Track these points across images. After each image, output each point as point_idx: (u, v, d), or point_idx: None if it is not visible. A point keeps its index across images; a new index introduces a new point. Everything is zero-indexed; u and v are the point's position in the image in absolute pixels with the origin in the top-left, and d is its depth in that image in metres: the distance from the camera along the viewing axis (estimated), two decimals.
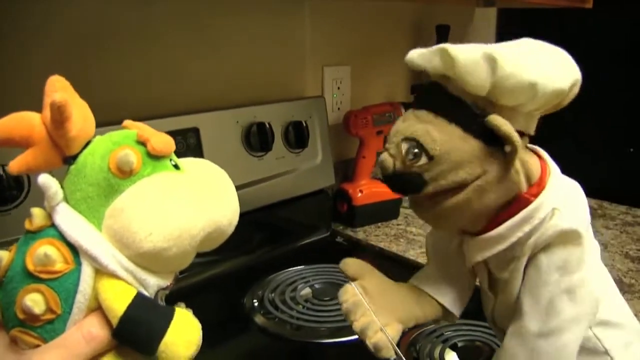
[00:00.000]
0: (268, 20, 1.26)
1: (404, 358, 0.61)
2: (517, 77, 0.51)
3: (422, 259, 1.20)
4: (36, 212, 0.44)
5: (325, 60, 1.43)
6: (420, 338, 0.89)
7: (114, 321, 0.42)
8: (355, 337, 0.88)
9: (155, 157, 0.45)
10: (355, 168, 1.41)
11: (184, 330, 0.44)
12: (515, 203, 0.56)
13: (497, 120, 0.52)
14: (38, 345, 0.42)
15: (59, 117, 0.42)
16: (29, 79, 0.93)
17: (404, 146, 0.55)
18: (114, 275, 0.43)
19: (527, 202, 0.56)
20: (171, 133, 1.01)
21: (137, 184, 0.43)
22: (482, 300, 0.68)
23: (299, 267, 1.16)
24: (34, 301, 0.41)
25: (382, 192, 1.42)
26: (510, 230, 0.56)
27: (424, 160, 0.54)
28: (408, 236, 1.34)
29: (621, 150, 1.61)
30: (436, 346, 0.87)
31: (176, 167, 0.47)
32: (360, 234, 1.37)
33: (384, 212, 1.44)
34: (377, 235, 1.35)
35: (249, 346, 0.93)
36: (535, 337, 0.56)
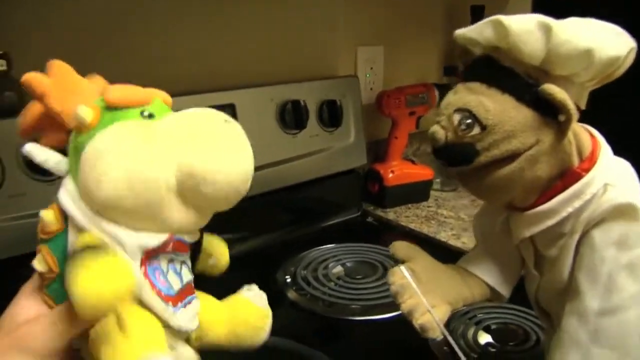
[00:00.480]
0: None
1: (450, 338, 0.62)
2: (573, 43, 0.51)
3: (453, 241, 1.20)
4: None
5: (358, 40, 1.42)
6: (454, 320, 0.89)
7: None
8: (387, 315, 0.91)
9: (114, 109, 0.43)
10: (387, 148, 1.41)
11: (101, 272, 0.38)
12: (566, 177, 0.56)
13: (552, 89, 0.51)
14: (51, 306, 0.44)
15: (35, 94, 0.44)
16: (61, 55, 0.95)
17: (457, 117, 0.55)
18: (90, 234, 0.41)
19: (579, 177, 0.55)
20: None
21: (95, 137, 0.41)
22: (525, 280, 0.68)
23: (330, 245, 1.16)
24: (38, 261, 0.44)
25: (414, 173, 1.42)
26: (560, 204, 0.56)
27: (477, 130, 0.54)
28: (439, 218, 1.34)
29: None
30: (469, 328, 0.87)
31: (150, 117, 0.44)
32: (390, 214, 1.37)
33: (415, 193, 1.44)
34: (407, 217, 1.35)
35: (282, 321, 0.93)
36: (597, 316, 0.54)
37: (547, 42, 0.51)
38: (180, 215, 0.44)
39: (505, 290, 0.69)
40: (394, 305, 0.91)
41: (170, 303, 0.44)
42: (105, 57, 0.98)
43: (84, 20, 0.96)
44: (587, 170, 0.56)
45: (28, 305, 0.44)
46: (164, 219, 0.43)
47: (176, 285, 0.45)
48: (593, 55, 0.51)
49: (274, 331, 0.83)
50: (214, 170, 0.42)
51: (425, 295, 0.63)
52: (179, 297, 0.45)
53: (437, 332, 0.62)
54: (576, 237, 0.56)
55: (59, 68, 0.45)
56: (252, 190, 1.18)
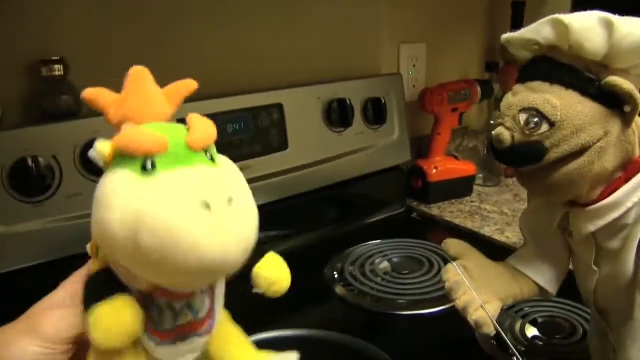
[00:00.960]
0: None
1: (503, 334, 0.64)
2: (634, 36, 0.52)
3: (497, 236, 1.21)
4: None
5: (401, 38, 1.44)
6: (501, 313, 0.89)
7: None
8: (434, 309, 0.92)
9: (122, 153, 0.40)
10: (430, 145, 1.42)
11: (110, 316, 0.40)
12: (629, 168, 0.57)
13: (618, 81, 0.52)
14: None
15: (94, 107, 0.43)
16: (117, 55, 0.98)
17: (523, 117, 0.55)
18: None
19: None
20: (256, 109, 1.06)
21: (104, 175, 0.40)
22: (580, 278, 0.67)
23: (376, 241, 1.18)
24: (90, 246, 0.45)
25: (457, 169, 1.43)
26: (625, 196, 0.56)
27: (545, 127, 0.54)
28: (482, 213, 1.35)
29: None
30: (516, 321, 0.88)
31: (147, 170, 0.38)
32: (434, 210, 1.38)
33: (458, 189, 1.45)
34: (451, 212, 1.37)
35: (330, 315, 0.96)
36: None
37: (610, 38, 0.52)
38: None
39: (553, 289, 0.70)
40: (441, 300, 0.94)
41: (157, 337, 0.43)
42: (156, 59, 1.02)
43: (137, 25, 0.99)
44: None
45: (60, 294, 0.45)
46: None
47: (168, 323, 0.44)
48: None
49: (323, 326, 0.86)
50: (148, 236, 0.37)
51: (478, 292, 0.64)
52: (170, 334, 0.44)
53: (490, 327, 0.64)
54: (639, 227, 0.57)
55: (134, 77, 0.45)
56: (300, 188, 1.22)
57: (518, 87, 0.59)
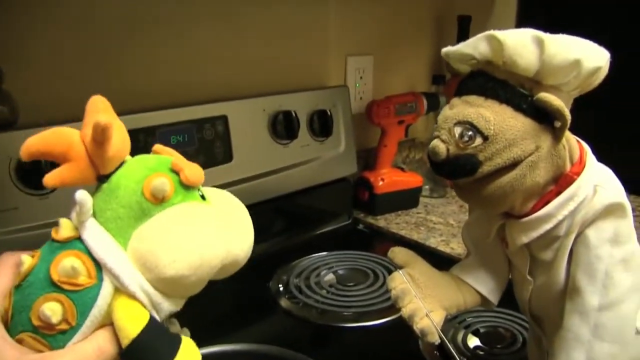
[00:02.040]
0: (293, 10, 1.28)
1: (447, 342, 0.65)
2: (564, 54, 0.54)
3: (442, 247, 1.23)
4: (64, 222, 0.45)
5: (348, 50, 1.44)
6: (443, 323, 0.91)
7: (124, 342, 0.43)
8: (378, 321, 0.93)
9: (186, 187, 0.47)
10: (376, 157, 1.43)
11: None
12: (560, 181, 0.58)
13: (548, 97, 0.53)
14: (41, 351, 0.43)
15: (101, 137, 0.43)
16: (62, 64, 0.96)
17: (457, 130, 0.56)
18: (131, 296, 0.44)
19: (571, 180, 0.58)
20: (201, 121, 1.05)
21: (167, 210, 0.45)
22: (516, 287, 0.69)
23: (322, 253, 1.18)
24: (53, 310, 0.42)
25: (403, 180, 1.45)
26: (557, 208, 0.58)
27: (478, 141, 0.55)
28: (428, 224, 1.36)
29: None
30: (459, 331, 0.89)
31: (202, 197, 0.49)
32: (381, 221, 1.39)
33: (405, 200, 1.46)
34: (397, 223, 1.37)
35: (275, 329, 0.95)
36: (597, 312, 0.57)
37: (541, 54, 0.54)
38: (203, 286, 0.49)
39: (495, 298, 0.71)
40: (385, 312, 0.94)
41: None
42: (96, 71, 1.00)
43: (75, 34, 0.97)
44: (578, 174, 0.58)
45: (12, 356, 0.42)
46: (197, 290, 0.48)
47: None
48: (581, 65, 0.54)
49: (268, 340, 0.86)
50: (244, 257, 0.51)
51: (424, 300, 0.65)
52: None
53: (435, 336, 0.64)
54: (572, 238, 0.58)
55: (106, 106, 0.47)
56: (245, 200, 1.20)
57: (455, 101, 0.60)
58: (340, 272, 1.10)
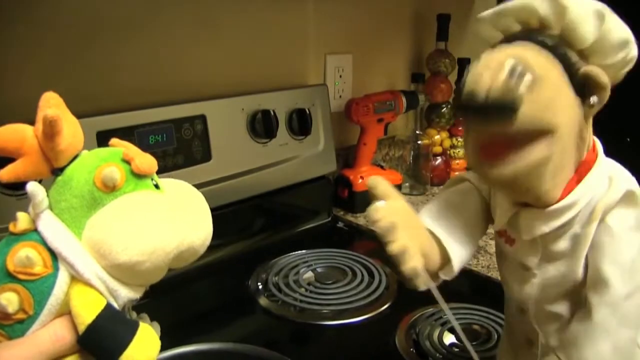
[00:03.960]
0: (272, 9, 1.28)
1: (435, 289, 0.59)
2: (619, 32, 0.53)
3: None
4: (21, 216, 0.46)
5: (327, 49, 1.45)
6: (420, 321, 0.92)
7: (81, 328, 0.44)
8: (357, 319, 0.94)
9: (138, 175, 0.48)
10: (356, 155, 1.44)
11: (145, 346, 0.46)
12: (580, 168, 0.57)
13: (598, 70, 0.53)
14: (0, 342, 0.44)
15: (50, 131, 0.44)
16: (38, 65, 0.96)
17: (510, 62, 0.51)
18: (87, 284, 0.45)
19: (589, 167, 0.57)
20: (179, 120, 1.05)
21: (119, 199, 0.46)
22: (512, 284, 0.65)
23: (301, 251, 1.18)
24: (9, 300, 0.43)
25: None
26: (580, 196, 0.56)
27: (528, 78, 0.51)
28: None
29: (618, 141, 1.63)
30: (435, 329, 0.90)
31: (157, 186, 0.49)
32: (360, 219, 1.40)
33: None
34: None
35: (254, 327, 0.96)
36: (624, 301, 0.55)
37: (600, 26, 0.53)
38: (162, 274, 0.50)
39: (458, 269, 0.65)
40: (363, 309, 0.96)
41: None
42: (75, 72, 1.00)
43: (52, 35, 0.97)
44: (594, 162, 0.57)
45: None
46: (156, 278, 0.49)
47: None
48: (630, 48, 0.54)
49: (247, 339, 0.86)
50: (200, 244, 0.51)
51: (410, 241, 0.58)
52: None
53: (425, 279, 0.58)
54: (593, 226, 0.56)
55: (58, 102, 0.47)
56: (225, 199, 1.21)
57: (502, 46, 0.56)
58: (319, 269, 1.11)
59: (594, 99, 0.54)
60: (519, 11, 0.56)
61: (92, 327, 0.43)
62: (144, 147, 0.98)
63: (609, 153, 0.60)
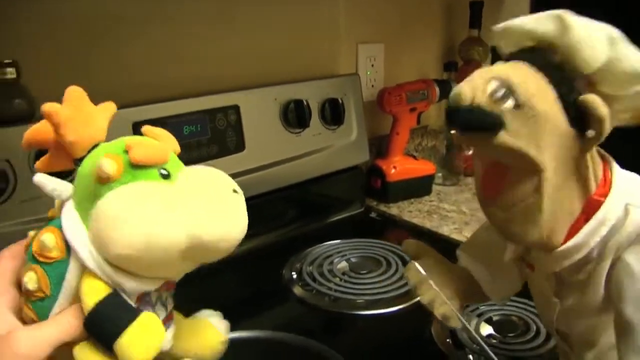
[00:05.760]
0: None
1: (469, 326, 0.65)
2: (633, 62, 0.50)
3: (455, 235, 1.23)
4: (57, 202, 0.49)
5: (359, 38, 1.44)
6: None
7: (84, 314, 0.45)
8: (391, 309, 0.93)
9: (137, 166, 0.46)
10: (388, 144, 1.43)
11: (144, 334, 0.45)
12: (587, 207, 0.54)
13: (596, 101, 0.49)
14: (33, 319, 0.46)
15: (51, 123, 0.46)
16: (76, 58, 0.97)
17: (493, 84, 0.50)
18: (94, 274, 0.45)
19: (598, 204, 0.53)
20: (213, 110, 1.06)
21: (114, 190, 0.44)
22: (539, 307, 0.67)
23: (334, 241, 1.18)
24: (30, 278, 0.46)
25: (416, 168, 1.45)
26: (587, 236, 0.53)
27: (510, 104, 0.49)
28: (441, 212, 1.36)
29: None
30: (472, 320, 0.89)
31: (166, 176, 0.46)
32: (393, 209, 1.39)
33: (417, 188, 1.46)
34: (410, 211, 1.38)
35: (289, 316, 0.96)
36: None
37: (610, 51, 0.50)
38: (180, 268, 0.48)
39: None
40: (398, 299, 0.95)
41: None
42: (112, 63, 1.01)
43: (89, 27, 0.98)
44: (605, 195, 0.53)
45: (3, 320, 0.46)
46: (166, 272, 0.48)
47: (161, 314, 0.49)
48: None
49: (282, 327, 0.86)
50: (218, 240, 0.45)
51: (441, 288, 0.66)
52: (164, 324, 0.49)
53: (457, 320, 0.65)
54: (607, 263, 0.54)
55: (75, 95, 0.48)
56: (258, 189, 1.21)
57: (502, 62, 0.55)
58: (353, 259, 1.11)
59: (590, 133, 0.50)
60: (525, 28, 0.54)
61: (93, 312, 0.44)
62: (178, 137, 0.98)
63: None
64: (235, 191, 0.48)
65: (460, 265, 0.72)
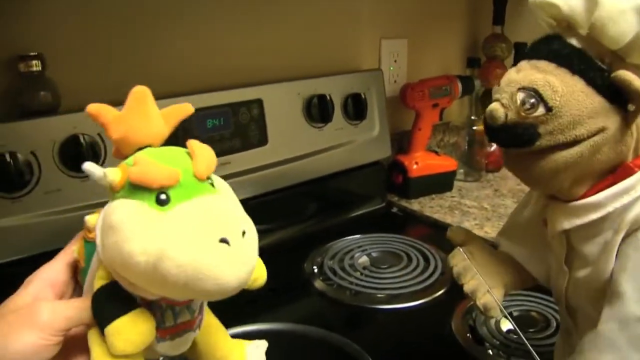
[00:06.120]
0: None
1: (509, 317, 0.65)
2: None
3: (476, 231, 1.22)
4: None
5: (382, 33, 1.44)
6: (475, 308, 0.91)
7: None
8: (411, 303, 0.94)
9: (134, 185, 0.43)
10: (411, 140, 1.43)
11: (131, 328, 0.44)
12: (619, 171, 0.54)
13: (629, 76, 0.49)
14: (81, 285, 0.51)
15: (99, 124, 0.46)
16: (101, 51, 0.98)
17: (520, 96, 0.52)
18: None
19: (631, 172, 0.53)
20: (236, 104, 1.07)
21: (115, 200, 0.44)
22: (552, 275, 0.66)
23: (355, 236, 1.19)
24: (75, 250, 0.51)
25: (437, 164, 1.44)
26: (608, 199, 0.53)
27: (541, 111, 0.51)
28: (462, 208, 1.36)
29: None
30: None
31: (163, 202, 0.42)
32: (415, 205, 1.39)
33: (439, 184, 1.46)
34: (431, 207, 1.38)
35: (310, 309, 0.97)
36: (637, 322, 0.52)
37: (637, 26, 0.50)
38: (157, 290, 0.45)
39: (547, 282, 0.68)
40: (418, 294, 0.96)
41: (158, 334, 0.47)
42: (136, 55, 1.02)
43: (113, 20, 0.99)
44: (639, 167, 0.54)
45: (34, 292, 0.49)
46: (145, 291, 0.45)
47: (169, 322, 0.48)
48: None
49: (303, 320, 0.87)
50: (174, 267, 0.40)
51: (484, 277, 0.65)
52: (169, 331, 0.49)
53: (497, 311, 0.65)
54: (620, 236, 0.54)
55: (135, 96, 0.48)
56: (280, 183, 1.22)
57: (523, 64, 0.55)
58: (374, 254, 1.11)
59: (630, 107, 0.51)
60: (547, 5, 0.55)
61: (95, 295, 0.46)
62: (202, 130, 1.02)
63: None
64: (226, 242, 0.41)
65: (502, 251, 0.71)
